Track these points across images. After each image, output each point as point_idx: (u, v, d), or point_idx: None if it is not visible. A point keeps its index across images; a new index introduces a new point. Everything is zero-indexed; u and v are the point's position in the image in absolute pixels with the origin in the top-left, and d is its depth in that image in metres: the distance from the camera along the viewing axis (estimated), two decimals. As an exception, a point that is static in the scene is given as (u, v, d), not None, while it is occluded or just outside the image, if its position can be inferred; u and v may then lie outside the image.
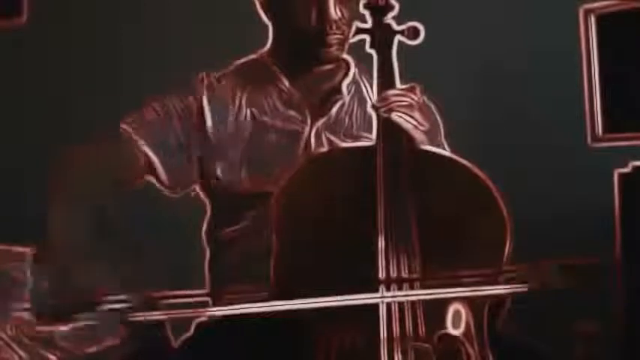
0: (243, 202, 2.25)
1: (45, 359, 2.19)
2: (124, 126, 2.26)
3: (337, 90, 2.30)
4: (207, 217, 2.32)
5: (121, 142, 2.24)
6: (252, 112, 2.28)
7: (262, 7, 2.29)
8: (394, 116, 2.05)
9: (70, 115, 3.34)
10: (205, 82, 2.29)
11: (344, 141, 2.25)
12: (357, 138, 2.25)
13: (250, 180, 2.24)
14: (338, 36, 2.22)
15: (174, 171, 2.25)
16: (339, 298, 1.89)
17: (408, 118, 2.06)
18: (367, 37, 2.12)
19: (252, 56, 2.35)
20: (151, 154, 2.24)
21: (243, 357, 2.07)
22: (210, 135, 2.26)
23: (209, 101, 2.27)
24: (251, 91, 2.30)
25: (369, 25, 2.13)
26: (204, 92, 2.28)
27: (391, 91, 2.08)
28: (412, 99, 2.09)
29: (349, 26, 2.20)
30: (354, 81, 2.30)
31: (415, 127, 2.07)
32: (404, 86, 2.12)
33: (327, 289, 1.94)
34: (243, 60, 2.35)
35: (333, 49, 2.23)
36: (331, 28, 2.20)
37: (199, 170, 2.27)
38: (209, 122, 2.26)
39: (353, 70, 2.31)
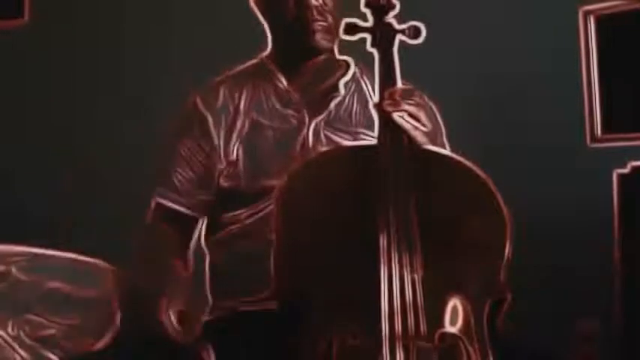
0: (242, 202, 2.25)
1: (46, 359, 2.20)
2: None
3: (335, 88, 2.30)
4: (205, 219, 2.32)
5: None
6: (250, 113, 2.28)
7: (256, 5, 2.30)
8: (396, 115, 2.05)
9: (71, 116, 3.35)
10: (200, 103, 2.30)
11: (343, 138, 2.25)
12: (355, 135, 2.25)
13: (249, 179, 2.24)
14: (321, 23, 2.22)
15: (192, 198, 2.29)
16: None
17: (409, 118, 2.06)
18: (368, 36, 2.12)
19: (254, 60, 2.36)
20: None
21: (243, 354, 2.07)
22: (216, 144, 2.27)
23: (211, 116, 2.28)
24: (250, 93, 2.30)
25: (370, 24, 2.12)
26: (205, 111, 2.29)
27: (397, 89, 2.08)
28: (417, 99, 2.09)
29: (333, 14, 2.22)
30: (355, 80, 2.31)
31: (416, 127, 2.07)
32: (408, 86, 2.12)
33: (328, 289, 1.94)
34: (244, 65, 2.36)
35: (319, 37, 2.23)
36: (312, 14, 2.21)
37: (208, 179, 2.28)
38: (215, 139, 2.27)
39: (353, 69, 2.31)
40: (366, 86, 2.29)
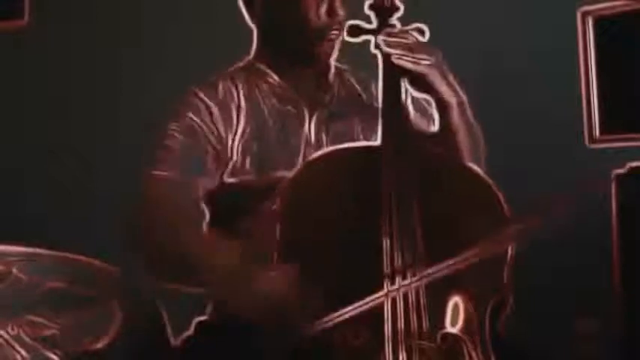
0: (244, 199, 2.25)
1: (47, 359, 2.20)
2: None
3: (326, 83, 2.30)
4: (206, 219, 2.32)
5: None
6: (250, 110, 2.28)
7: (252, 6, 2.30)
8: (395, 57, 2.05)
9: (70, 116, 3.36)
10: (203, 95, 2.28)
11: (342, 133, 2.25)
12: (354, 132, 2.25)
13: (252, 176, 2.24)
14: (335, 32, 2.23)
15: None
16: (346, 309, 1.89)
17: (408, 54, 2.07)
18: (372, 38, 2.12)
19: (241, 63, 2.35)
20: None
21: (243, 355, 2.07)
22: (221, 136, 2.26)
23: (216, 107, 2.27)
24: (245, 89, 2.29)
25: (373, 26, 2.13)
26: (209, 101, 2.27)
27: (395, 31, 2.09)
28: (415, 37, 2.10)
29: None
30: (340, 73, 2.31)
31: (418, 62, 2.07)
32: (407, 27, 2.13)
33: (331, 288, 1.95)
34: (234, 66, 2.35)
35: (328, 46, 2.24)
36: (334, 24, 2.21)
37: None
38: (221, 127, 2.26)
39: (333, 64, 2.31)
40: (357, 86, 2.31)
